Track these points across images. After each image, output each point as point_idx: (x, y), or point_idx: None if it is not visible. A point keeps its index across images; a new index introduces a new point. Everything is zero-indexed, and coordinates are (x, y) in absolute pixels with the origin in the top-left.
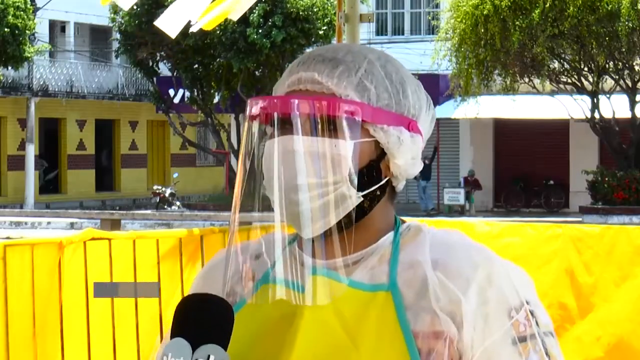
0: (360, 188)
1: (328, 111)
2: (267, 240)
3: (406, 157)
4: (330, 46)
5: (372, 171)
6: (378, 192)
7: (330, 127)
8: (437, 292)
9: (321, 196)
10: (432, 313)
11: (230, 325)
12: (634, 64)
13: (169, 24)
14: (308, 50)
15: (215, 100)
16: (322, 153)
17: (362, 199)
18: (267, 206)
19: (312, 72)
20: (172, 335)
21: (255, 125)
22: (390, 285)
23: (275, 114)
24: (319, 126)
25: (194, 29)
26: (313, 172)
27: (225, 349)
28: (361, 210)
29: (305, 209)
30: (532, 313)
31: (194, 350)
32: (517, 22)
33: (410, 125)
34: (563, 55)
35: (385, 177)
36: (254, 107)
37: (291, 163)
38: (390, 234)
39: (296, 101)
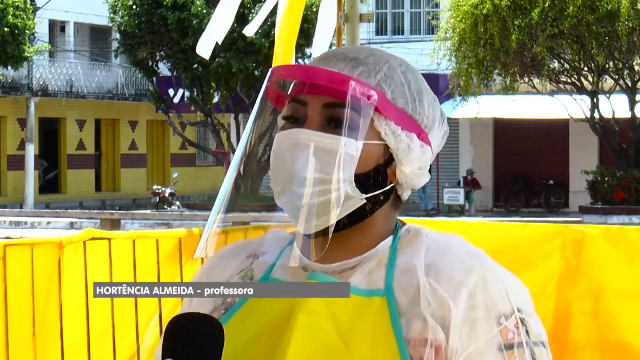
0: (364, 191)
1: (343, 87)
2: (268, 238)
3: (414, 167)
4: (353, 47)
5: (379, 175)
6: (382, 198)
7: (346, 108)
8: (428, 297)
9: (324, 193)
10: (423, 320)
11: (221, 344)
12: (634, 64)
13: (202, 47)
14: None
15: (215, 100)
16: (332, 150)
17: (364, 201)
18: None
19: (333, 69)
20: (163, 357)
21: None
22: (386, 291)
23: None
24: (336, 106)
25: None
26: (320, 168)
27: None
28: (362, 213)
29: (307, 203)
30: (522, 321)
31: None
32: (517, 22)
33: (422, 136)
34: (563, 55)
35: (391, 183)
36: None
37: (300, 156)
38: (390, 239)
39: (317, 70)
